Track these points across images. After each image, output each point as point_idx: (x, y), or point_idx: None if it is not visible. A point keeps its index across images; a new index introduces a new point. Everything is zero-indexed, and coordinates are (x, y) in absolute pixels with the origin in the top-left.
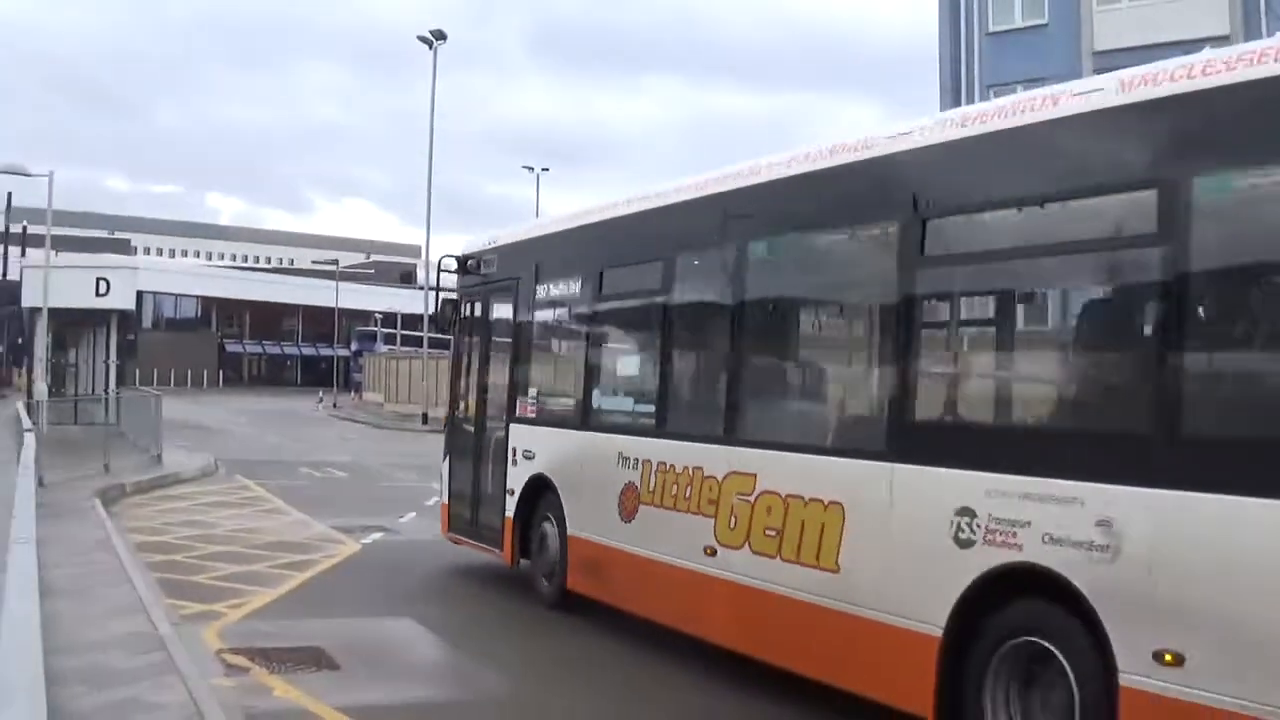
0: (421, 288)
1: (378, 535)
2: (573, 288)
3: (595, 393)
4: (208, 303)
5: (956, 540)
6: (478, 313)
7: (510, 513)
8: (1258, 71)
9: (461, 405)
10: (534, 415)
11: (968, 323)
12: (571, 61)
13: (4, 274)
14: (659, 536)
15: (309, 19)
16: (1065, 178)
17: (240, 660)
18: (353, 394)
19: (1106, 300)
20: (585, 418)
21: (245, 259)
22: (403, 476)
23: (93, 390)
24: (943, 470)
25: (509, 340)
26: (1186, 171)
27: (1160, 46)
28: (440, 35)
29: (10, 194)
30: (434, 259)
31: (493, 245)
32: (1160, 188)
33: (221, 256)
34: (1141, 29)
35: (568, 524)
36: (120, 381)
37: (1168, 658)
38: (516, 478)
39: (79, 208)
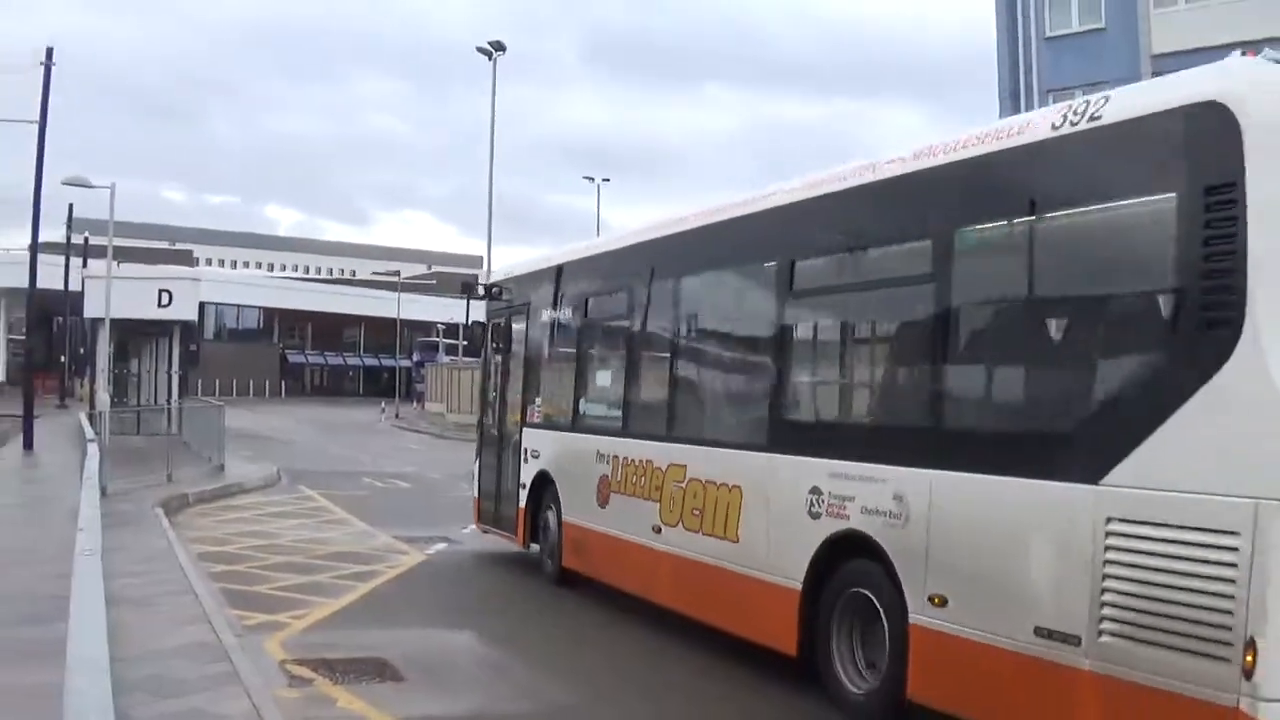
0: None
1: (440, 546)
2: (564, 313)
3: (580, 400)
4: (270, 313)
5: (810, 513)
6: (499, 333)
7: (522, 504)
8: (987, 147)
9: (487, 413)
10: (539, 420)
11: (815, 343)
12: (624, 71)
13: (66, 285)
14: (624, 519)
15: (362, 31)
16: (876, 229)
17: (304, 671)
18: (415, 404)
19: (900, 326)
20: (574, 421)
21: (306, 270)
22: (465, 487)
23: (155, 400)
24: (800, 457)
25: (521, 356)
26: (951, 224)
27: (1219, 48)
28: (499, 46)
29: (71, 205)
30: (496, 269)
31: (509, 275)
32: (934, 238)
33: (283, 267)
34: (1200, 30)
35: (563, 511)
36: (183, 391)
37: (936, 600)
38: (526, 474)
39: (138, 219)
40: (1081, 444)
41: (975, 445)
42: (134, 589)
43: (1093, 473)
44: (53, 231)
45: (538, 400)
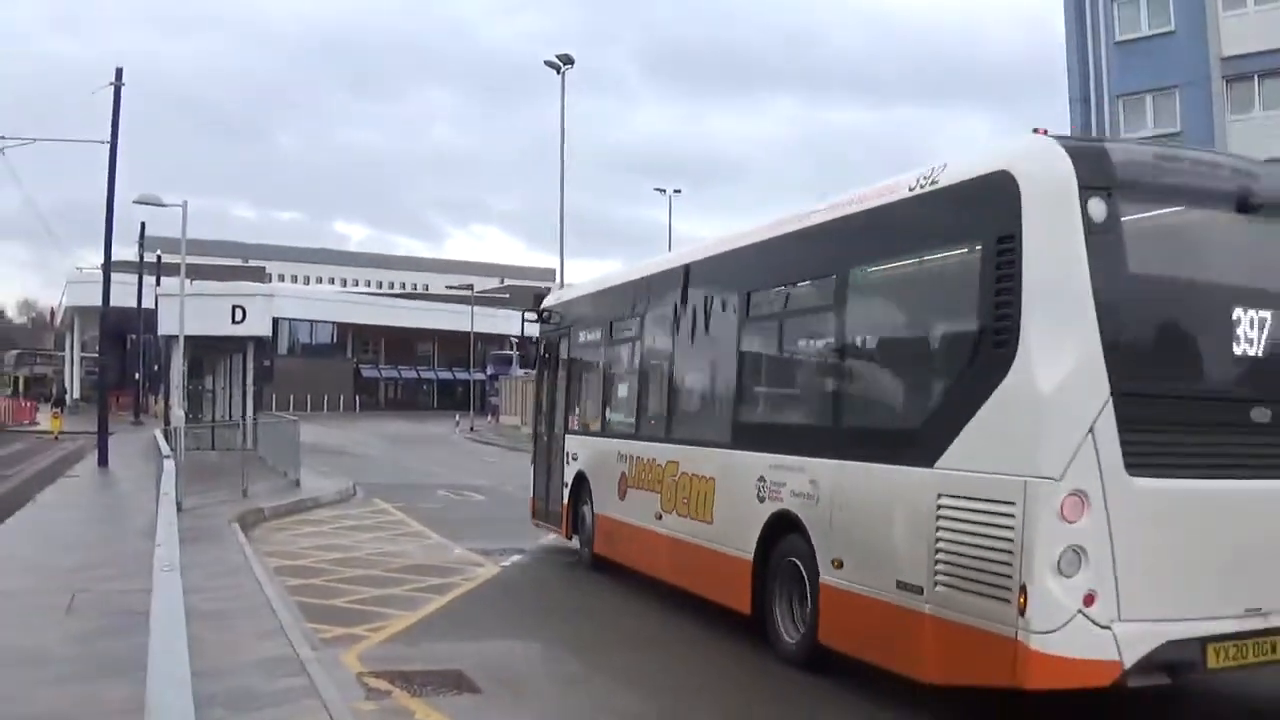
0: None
1: (516, 557)
2: (592, 334)
3: (606, 409)
4: (343, 328)
5: (758, 497)
6: (549, 352)
7: (565, 500)
8: (868, 204)
9: (540, 423)
10: (577, 428)
11: (759, 359)
12: (684, 82)
13: (139, 302)
14: (637, 509)
15: (425, 46)
16: (795, 268)
17: (381, 683)
18: (489, 417)
19: (811, 347)
20: (602, 428)
21: (379, 285)
22: None
23: (229, 416)
24: (752, 452)
25: (564, 373)
26: (847, 264)
27: None
28: (568, 60)
29: (143, 224)
30: (570, 282)
31: (557, 300)
32: (836, 274)
33: (355, 282)
34: (1268, 33)
35: (594, 505)
36: (257, 407)
37: (836, 563)
38: (568, 474)
39: (209, 236)
40: (922, 437)
41: (857, 439)
42: (211, 603)
43: (929, 459)
44: (125, 250)
45: (576, 410)
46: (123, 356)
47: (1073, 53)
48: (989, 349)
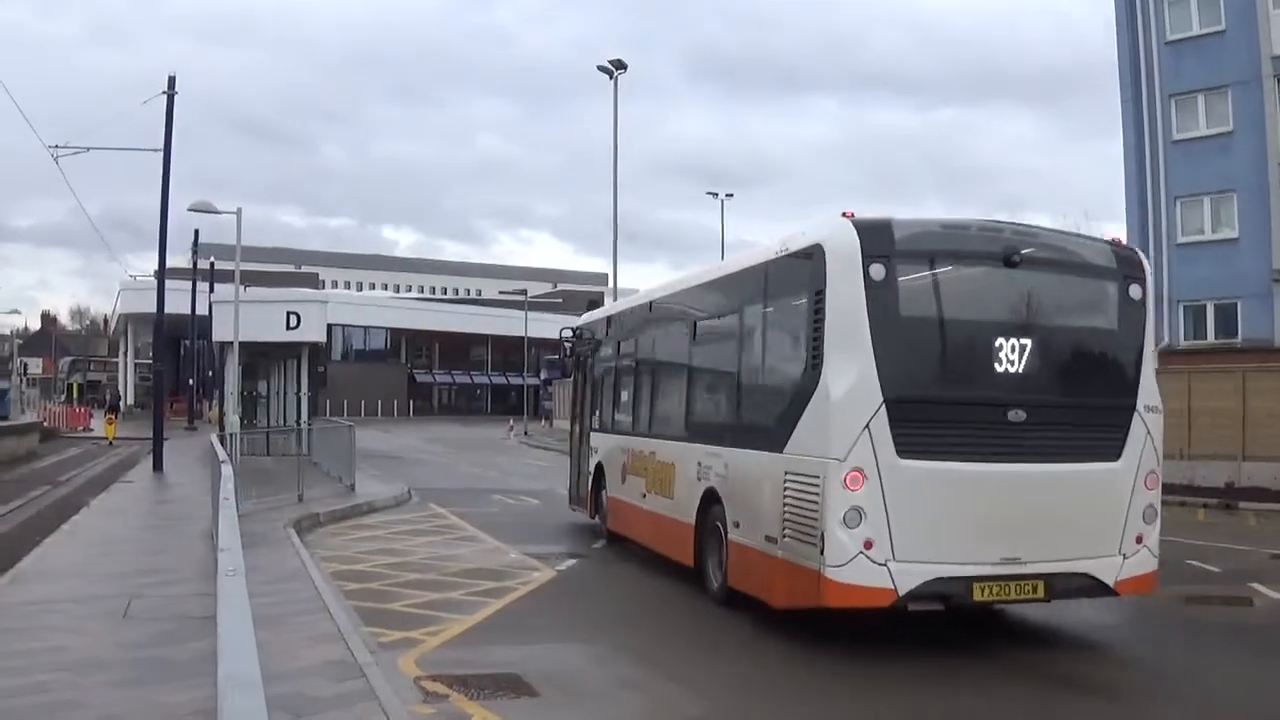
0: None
1: (572, 562)
2: (605, 350)
3: (615, 411)
4: (397, 334)
5: (698, 477)
6: (579, 365)
7: (588, 488)
8: (746, 264)
9: (574, 424)
10: (597, 426)
11: (696, 374)
12: (727, 86)
13: (193, 309)
14: (633, 490)
15: (464, 54)
16: (710, 308)
17: (439, 687)
18: (543, 421)
19: (719, 368)
20: (612, 425)
21: (433, 290)
22: None
23: (283, 421)
24: (695, 444)
25: (590, 382)
26: (740, 306)
27: None
28: (620, 65)
29: (197, 231)
30: (623, 286)
31: (584, 322)
32: (735, 313)
33: (408, 288)
34: None
35: (607, 489)
36: (312, 412)
37: (736, 524)
38: (591, 465)
39: (258, 242)
40: (776, 431)
41: (744, 433)
42: (269, 608)
43: (780, 447)
44: (177, 258)
45: (597, 412)
46: (177, 362)
47: (1124, 53)
48: (809, 370)
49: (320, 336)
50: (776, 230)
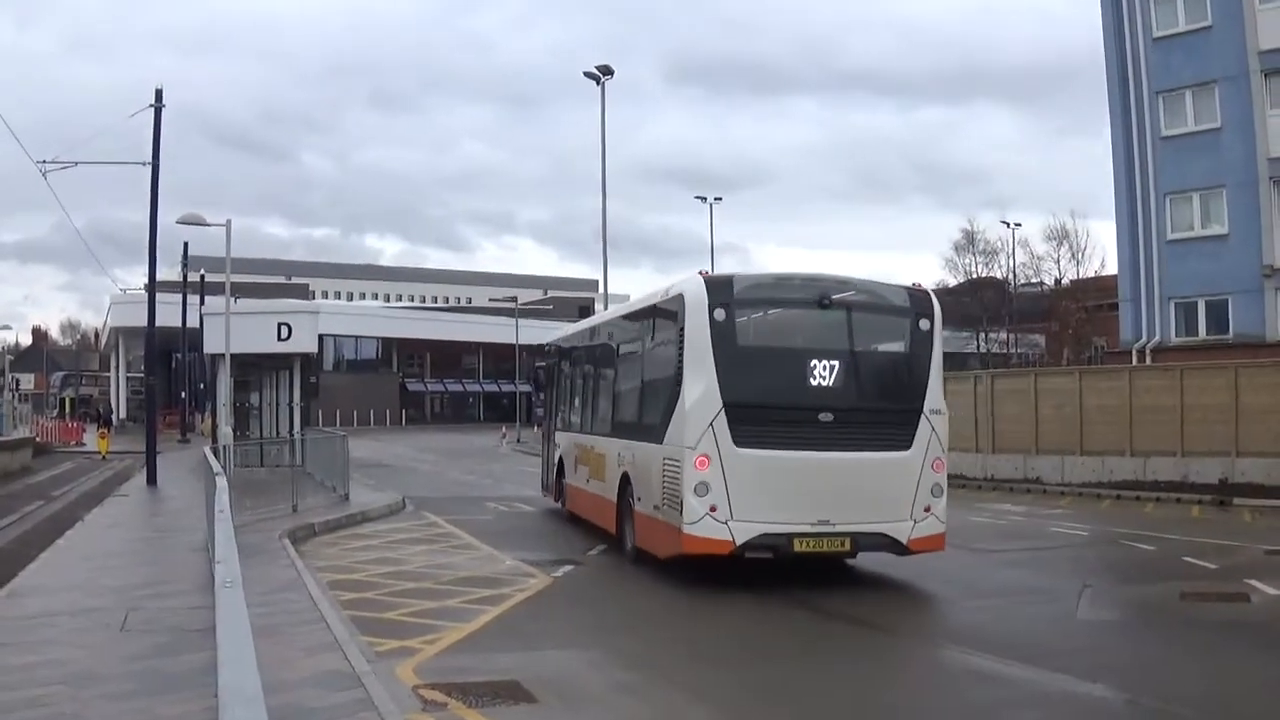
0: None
1: (568, 569)
2: (563, 365)
3: (570, 414)
4: (388, 343)
5: (618, 464)
6: (548, 377)
7: (554, 477)
8: (639, 305)
9: (545, 426)
10: (560, 427)
11: (617, 386)
12: (707, 89)
13: (184, 321)
14: (581, 477)
15: (442, 62)
16: (626, 336)
17: (437, 695)
18: (536, 428)
19: (628, 382)
20: (566, 426)
21: (423, 299)
22: None
23: (276, 432)
24: (616, 439)
25: (554, 391)
26: (641, 336)
27: None
28: (608, 71)
29: (186, 244)
30: (613, 291)
31: (551, 342)
32: (639, 341)
33: (399, 297)
34: None
35: (566, 478)
36: (304, 423)
37: (637, 499)
38: (555, 458)
39: (243, 254)
40: (658, 429)
41: (641, 431)
42: (265, 618)
43: (660, 440)
44: (165, 270)
45: (558, 416)
46: (169, 375)
47: (1111, 50)
48: (674, 385)
49: (312, 347)
50: (764, 232)
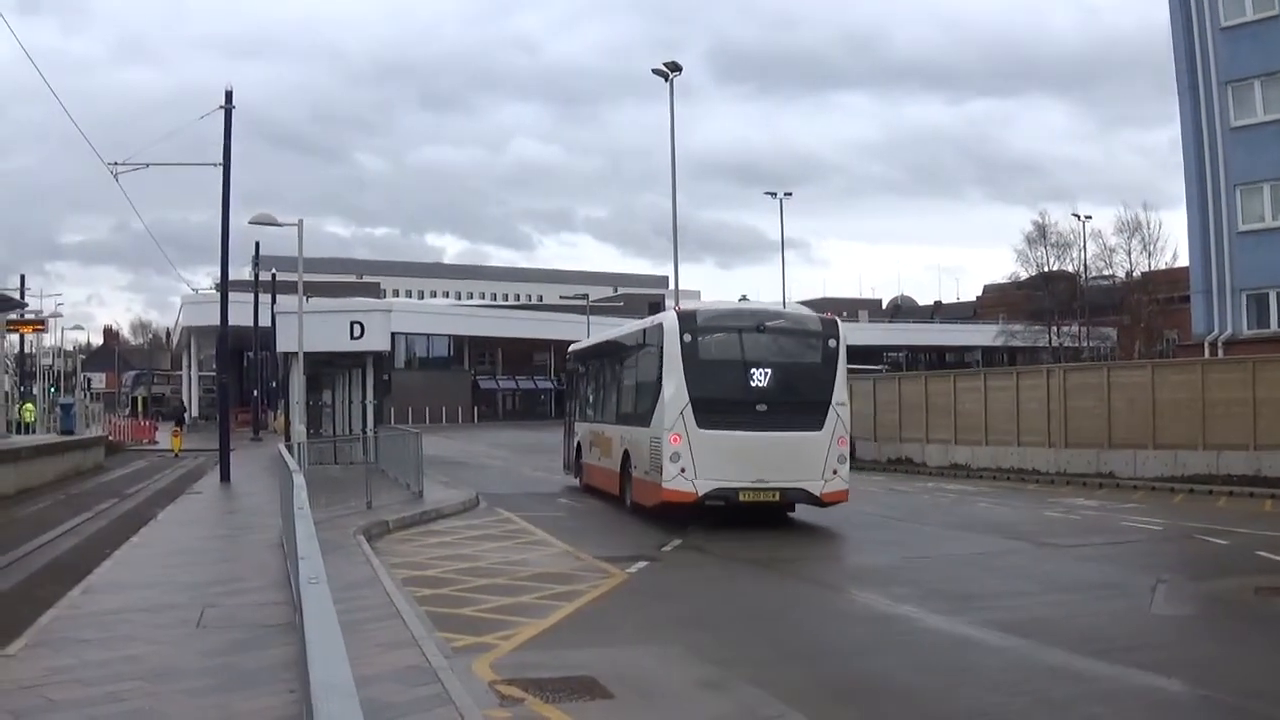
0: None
1: (642, 564)
2: (579, 369)
3: (587, 408)
4: (459, 341)
5: (621, 444)
6: (571, 379)
7: (574, 458)
8: (633, 329)
9: (568, 418)
10: (578, 418)
11: (620, 386)
12: (755, 85)
13: (255, 320)
14: (594, 456)
15: (491, 62)
16: (628, 349)
17: (514, 691)
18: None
19: (625, 383)
20: (584, 416)
21: (492, 296)
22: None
23: (349, 430)
24: (619, 426)
25: (575, 391)
26: (637, 350)
27: None
28: (675, 67)
29: (258, 244)
30: (684, 288)
31: (570, 353)
32: (636, 353)
33: (470, 295)
34: None
35: (583, 458)
36: (377, 420)
37: (635, 467)
38: (574, 443)
39: (313, 254)
40: (648, 417)
41: (636, 419)
42: (341, 615)
43: (648, 424)
44: (236, 270)
45: (576, 409)
46: (240, 374)
47: (1179, 41)
48: (657, 386)
49: (384, 345)
50: (823, 228)
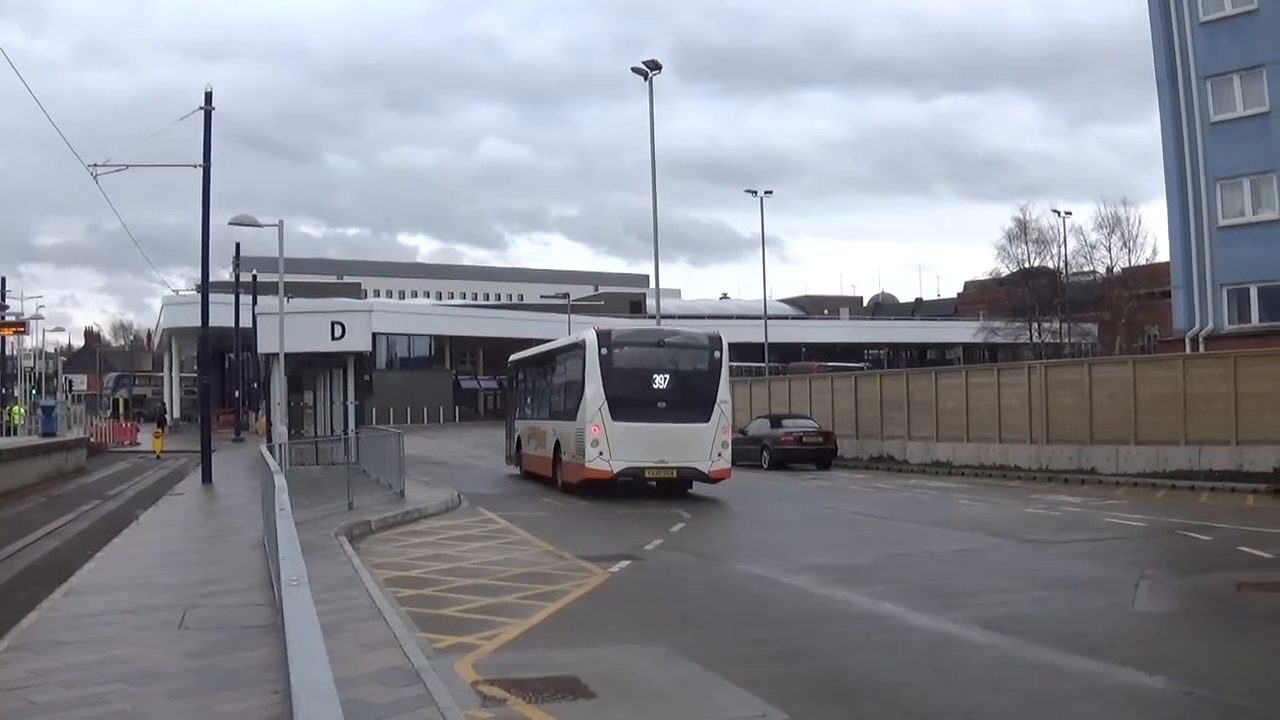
0: (653, 316)
1: (625, 564)
2: (519, 376)
3: (524, 408)
4: (440, 341)
5: (552, 435)
6: (513, 383)
7: (515, 450)
8: (565, 342)
9: (508, 417)
10: (518, 416)
11: (550, 389)
12: (720, 83)
13: (236, 322)
14: (531, 447)
15: (456, 60)
16: (558, 359)
17: (497, 691)
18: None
19: (554, 386)
20: (523, 415)
21: (472, 296)
22: (645, 505)
23: (330, 431)
24: (551, 421)
25: (515, 393)
26: (566, 360)
27: None
28: (655, 65)
29: (238, 244)
30: (664, 287)
31: (510, 361)
32: (565, 362)
33: (451, 295)
34: None
35: (522, 449)
36: (358, 421)
37: (565, 451)
38: (515, 439)
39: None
40: (574, 413)
41: (565, 415)
42: (323, 615)
43: (574, 419)
44: (214, 272)
45: (516, 409)
46: (222, 375)
47: (1158, 35)
48: (581, 389)
49: (365, 345)
50: (794, 225)
